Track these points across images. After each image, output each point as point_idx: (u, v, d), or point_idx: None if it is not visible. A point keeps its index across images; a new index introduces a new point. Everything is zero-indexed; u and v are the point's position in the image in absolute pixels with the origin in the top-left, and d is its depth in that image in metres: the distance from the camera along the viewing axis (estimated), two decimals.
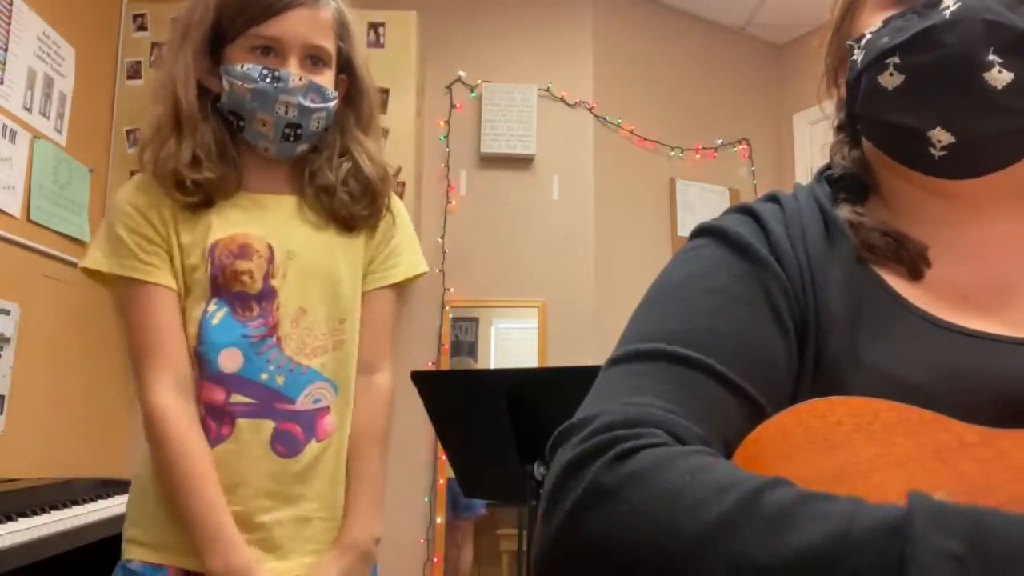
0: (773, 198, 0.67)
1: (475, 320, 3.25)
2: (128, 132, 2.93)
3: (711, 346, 0.55)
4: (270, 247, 1.07)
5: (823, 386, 0.57)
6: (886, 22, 0.62)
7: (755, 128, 3.85)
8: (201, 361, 1.04)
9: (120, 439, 3.02)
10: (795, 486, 0.44)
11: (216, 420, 1.04)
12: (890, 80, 0.60)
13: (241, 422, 1.04)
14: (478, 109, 3.35)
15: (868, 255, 0.62)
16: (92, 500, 1.83)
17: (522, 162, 3.36)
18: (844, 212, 0.64)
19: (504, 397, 1.65)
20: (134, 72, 2.98)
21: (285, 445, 1.06)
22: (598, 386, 0.56)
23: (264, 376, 1.05)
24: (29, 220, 2.41)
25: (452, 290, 3.22)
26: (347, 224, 1.13)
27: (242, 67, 1.04)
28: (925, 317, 0.59)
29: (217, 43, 1.07)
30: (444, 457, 2.60)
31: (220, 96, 1.08)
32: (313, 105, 1.06)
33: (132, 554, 1.05)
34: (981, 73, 0.56)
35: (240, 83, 1.04)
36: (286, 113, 1.05)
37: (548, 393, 1.59)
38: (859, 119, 0.66)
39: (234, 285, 1.05)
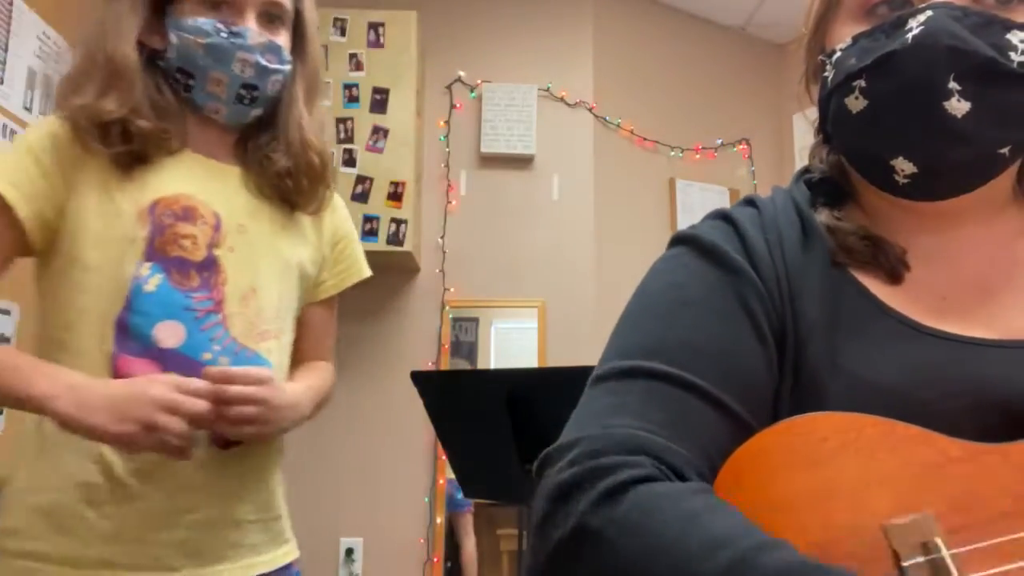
0: (750, 202, 0.66)
1: (475, 320, 3.25)
2: None
3: (689, 360, 0.55)
4: (216, 215, 0.98)
5: (802, 395, 0.56)
6: (855, 39, 0.60)
7: (755, 128, 3.85)
8: (127, 332, 0.91)
9: None
10: (790, 549, 0.43)
11: None
12: (856, 104, 0.59)
13: None
14: (478, 109, 3.35)
15: (846, 259, 0.61)
16: None
17: (522, 162, 3.36)
18: (822, 216, 0.63)
19: (504, 397, 1.65)
20: None
21: (224, 435, 0.93)
22: (580, 407, 0.56)
23: (207, 356, 0.93)
24: None
25: (452, 290, 3.22)
26: (288, 203, 1.05)
27: (194, 21, 0.95)
28: (904, 321, 0.58)
29: None
30: (444, 457, 2.60)
31: (158, 53, 0.99)
32: (271, 66, 0.99)
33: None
34: (941, 102, 0.54)
35: (192, 37, 0.95)
36: (242, 72, 0.97)
37: (548, 393, 1.59)
38: (830, 137, 0.65)
39: (173, 249, 0.94)
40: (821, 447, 0.48)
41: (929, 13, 0.55)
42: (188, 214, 0.96)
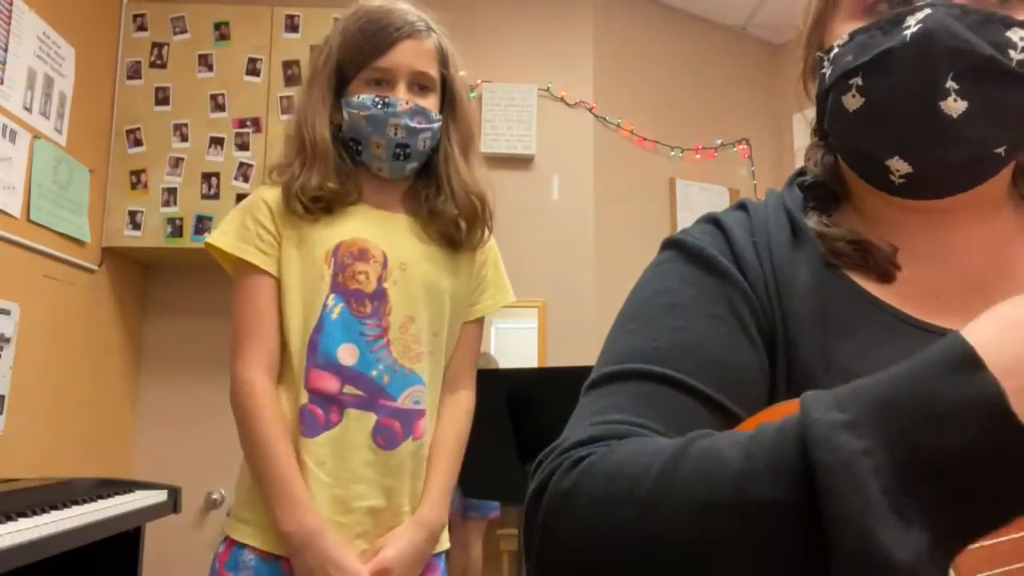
0: (742, 206, 0.66)
1: None
2: (128, 132, 2.93)
3: (680, 361, 0.55)
4: (384, 254, 1.20)
5: (797, 394, 0.56)
6: (852, 36, 0.60)
7: (755, 128, 3.85)
8: (316, 350, 1.14)
9: (122, 439, 3.02)
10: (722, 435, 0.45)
11: (324, 408, 1.13)
12: (852, 102, 0.58)
13: (351, 412, 1.14)
14: (478, 109, 3.35)
15: (836, 261, 0.61)
16: (92, 500, 1.83)
17: (522, 162, 3.36)
18: (812, 222, 0.63)
19: (504, 397, 1.65)
20: (134, 72, 2.98)
21: (384, 438, 1.16)
22: (574, 414, 0.56)
23: (374, 373, 1.16)
24: (29, 220, 2.42)
25: None
26: (452, 244, 1.25)
27: (358, 98, 1.19)
28: (897, 315, 0.58)
29: (340, 83, 1.22)
30: None
31: (338, 126, 1.22)
32: (419, 126, 1.20)
33: (243, 536, 1.13)
34: (937, 102, 0.53)
35: (357, 112, 1.19)
36: (395, 134, 1.18)
37: (548, 393, 1.59)
38: (827, 135, 0.65)
39: (352, 283, 1.17)
40: None
41: (928, 11, 0.55)
42: (362, 254, 1.19)
